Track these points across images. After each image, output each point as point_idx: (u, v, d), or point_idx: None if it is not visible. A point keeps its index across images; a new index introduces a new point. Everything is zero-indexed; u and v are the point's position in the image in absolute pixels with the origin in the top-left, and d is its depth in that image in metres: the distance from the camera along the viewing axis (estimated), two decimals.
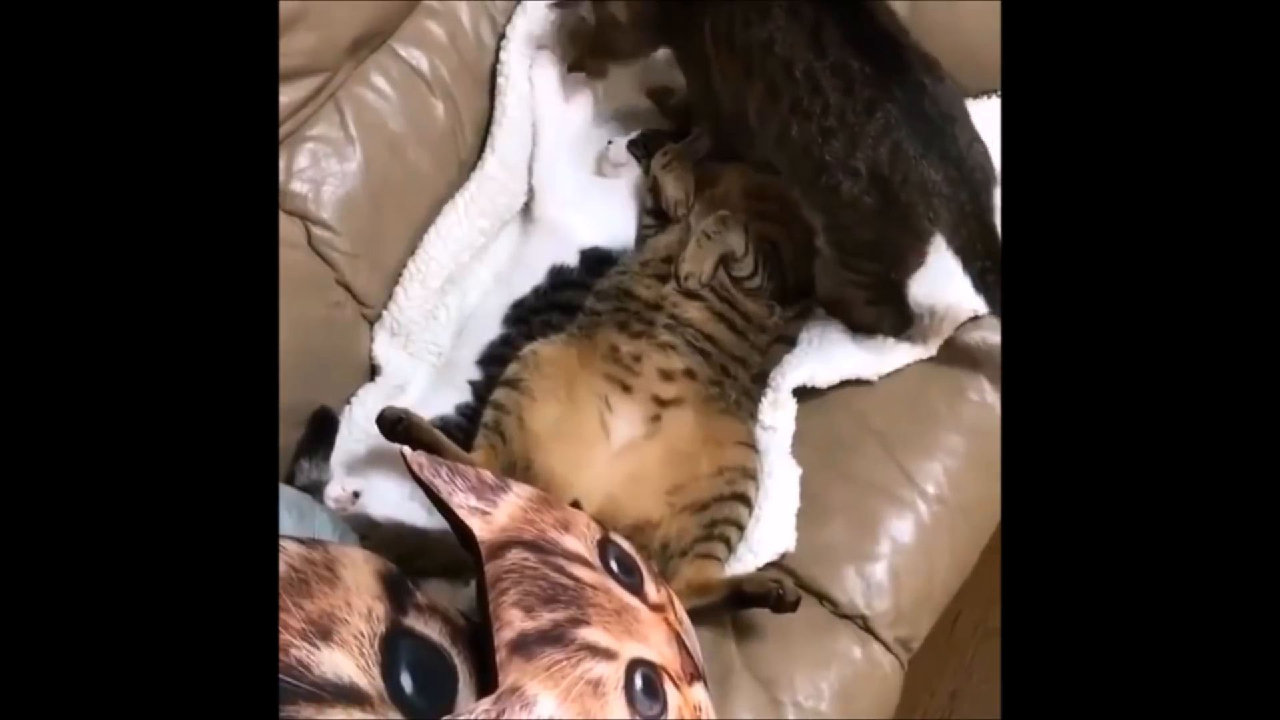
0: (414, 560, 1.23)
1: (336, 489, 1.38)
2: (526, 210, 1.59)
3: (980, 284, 1.27)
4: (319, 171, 1.45)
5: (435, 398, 1.47)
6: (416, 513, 1.35)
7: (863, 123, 1.25)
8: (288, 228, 1.43)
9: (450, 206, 1.53)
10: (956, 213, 1.26)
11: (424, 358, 1.54)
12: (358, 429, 1.45)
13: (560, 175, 1.57)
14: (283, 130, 1.41)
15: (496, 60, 1.56)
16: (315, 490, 1.40)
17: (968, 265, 1.27)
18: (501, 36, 1.56)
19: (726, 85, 1.40)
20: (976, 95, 1.51)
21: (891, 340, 1.43)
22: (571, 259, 1.53)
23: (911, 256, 1.34)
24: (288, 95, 1.39)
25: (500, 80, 1.55)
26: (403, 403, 1.44)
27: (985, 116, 1.45)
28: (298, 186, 1.43)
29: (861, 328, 1.44)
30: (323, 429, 1.45)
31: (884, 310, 1.42)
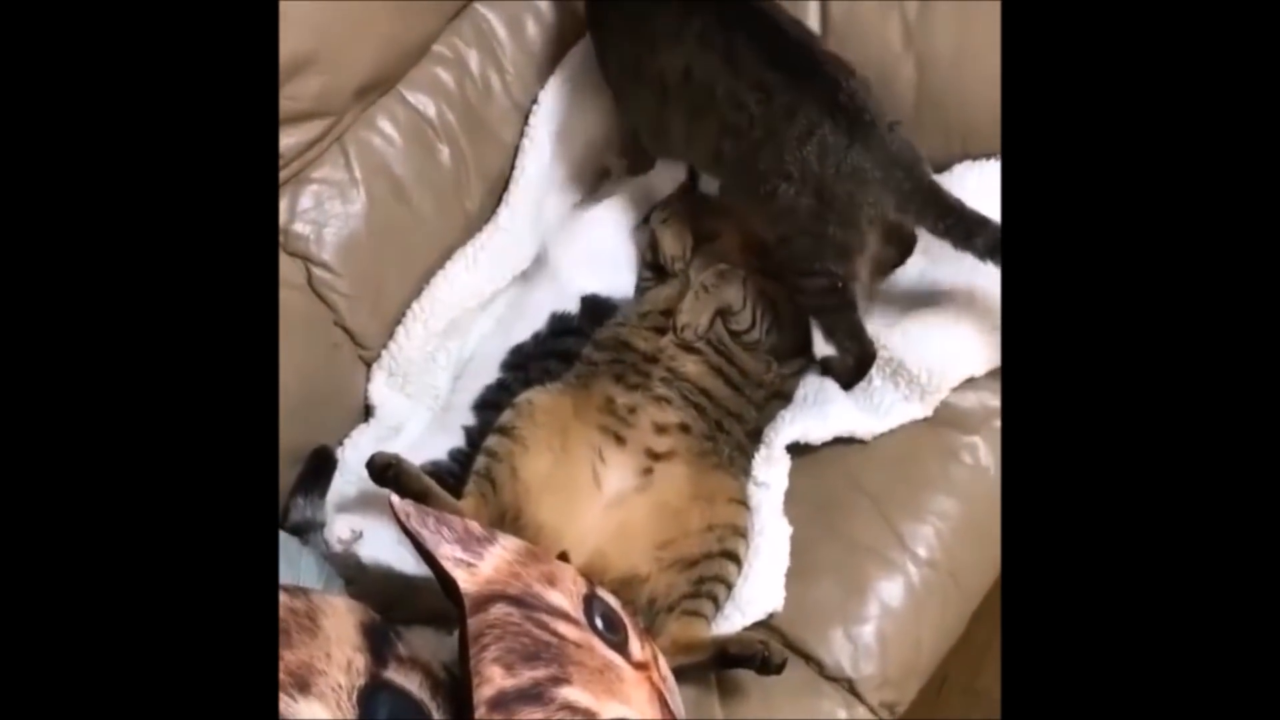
0: (399, 607, 1.22)
1: (344, 530, 1.38)
2: (536, 258, 1.60)
3: (958, 243, 1.31)
4: (322, 213, 1.45)
5: (430, 441, 1.47)
6: (404, 558, 1.34)
7: (785, 128, 1.31)
8: (289, 268, 1.44)
9: (460, 253, 1.55)
10: (895, 191, 1.30)
11: (421, 400, 1.54)
12: (350, 471, 1.45)
13: (571, 228, 1.59)
14: (287, 172, 1.42)
15: (525, 124, 1.58)
16: (306, 529, 1.40)
17: (935, 233, 1.32)
18: (534, 101, 1.59)
19: (641, 115, 1.48)
20: (977, 157, 1.52)
21: (887, 400, 1.43)
22: (572, 306, 1.53)
23: (856, 257, 1.36)
24: (293, 137, 1.40)
25: (525, 141, 1.58)
26: (397, 445, 1.44)
27: (987, 178, 1.47)
28: (300, 228, 1.44)
29: (837, 374, 1.45)
30: (321, 467, 1.45)
31: (840, 341, 1.42)
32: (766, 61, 1.32)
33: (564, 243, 1.58)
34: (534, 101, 1.59)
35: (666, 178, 1.59)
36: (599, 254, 1.58)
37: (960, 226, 1.30)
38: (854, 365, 1.43)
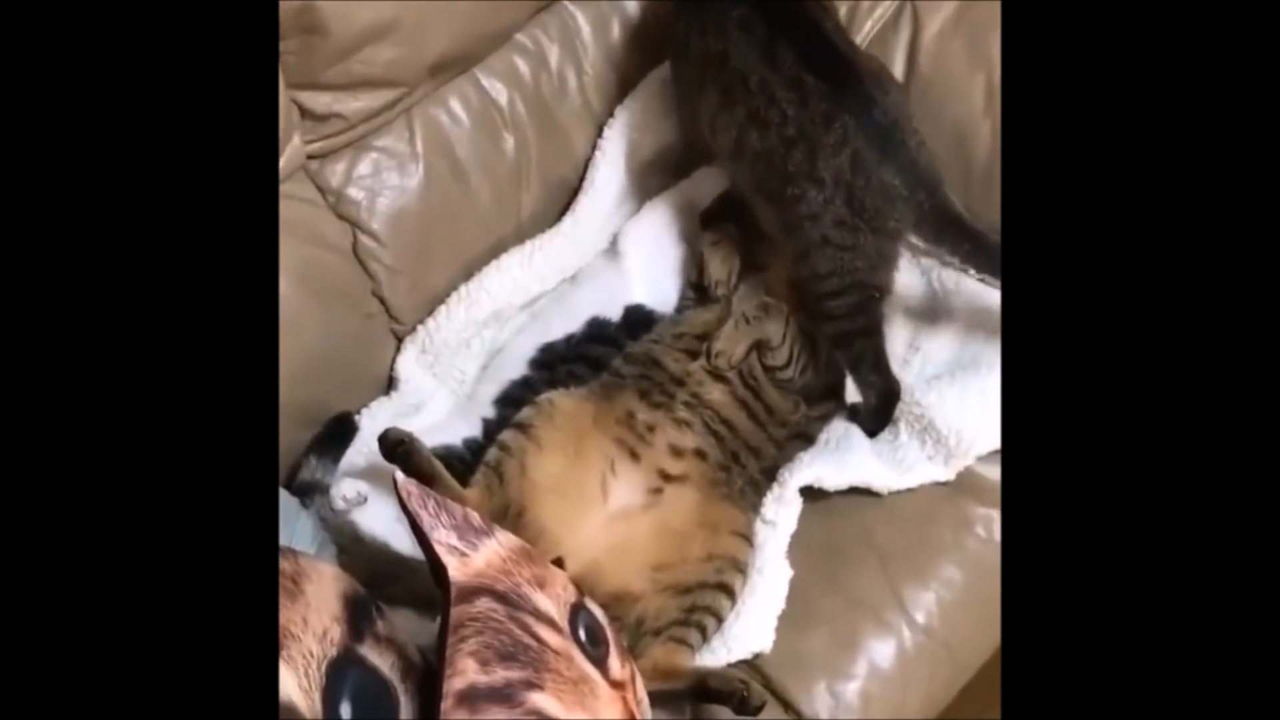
0: (386, 585, 1.21)
1: (350, 489, 1.38)
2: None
3: (980, 269, 1.39)
4: (378, 182, 1.46)
5: (448, 427, 1.47)
6: (399, 536, 1.33)
7: (821, 134, 1.32)
8: (335, 231, 1.44)
9: (519, 250, 1.55)
10: (916, 211, 1.33)
11: (446, 382, 1.54)
12: (362, 441, 1.45)
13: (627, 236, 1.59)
14: (349, 135, 1.42)
15: (599, 135, 1.59)
16: (311, 490, 1.39)
17: (955, 257, 1.38)
18: (610, 115, 1.60)
19: (685, 103, 1.50)
20: None
21: (910, 456, 1.40)
22: (614, 313, 1.53)
23: (884, 266, 1.37)
24: (360, 101, 1.40)
25: (597, 154, 1.59)
26: (415, 423, 1.44)
27: None
28: (354, 192, 1.44)
29: (863, 419, 1.43)
30: (341, 433, 1.45)
31: (865, 375, 1.41)
32: (805, 63, 1.34)
33: (618, 251, 1.57)
34: (610, 115, 1.59)
35: (708, 182, 1.59)
36: (650, 265, 1.57)
37: (980, 254, 1.34)
38: (877, 403, 1.41)
